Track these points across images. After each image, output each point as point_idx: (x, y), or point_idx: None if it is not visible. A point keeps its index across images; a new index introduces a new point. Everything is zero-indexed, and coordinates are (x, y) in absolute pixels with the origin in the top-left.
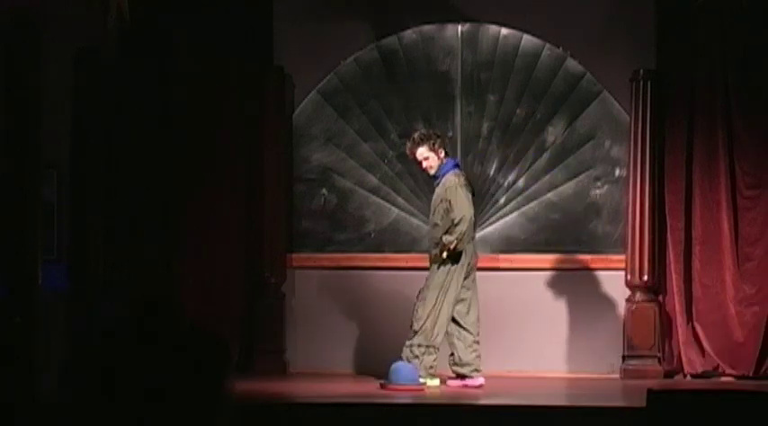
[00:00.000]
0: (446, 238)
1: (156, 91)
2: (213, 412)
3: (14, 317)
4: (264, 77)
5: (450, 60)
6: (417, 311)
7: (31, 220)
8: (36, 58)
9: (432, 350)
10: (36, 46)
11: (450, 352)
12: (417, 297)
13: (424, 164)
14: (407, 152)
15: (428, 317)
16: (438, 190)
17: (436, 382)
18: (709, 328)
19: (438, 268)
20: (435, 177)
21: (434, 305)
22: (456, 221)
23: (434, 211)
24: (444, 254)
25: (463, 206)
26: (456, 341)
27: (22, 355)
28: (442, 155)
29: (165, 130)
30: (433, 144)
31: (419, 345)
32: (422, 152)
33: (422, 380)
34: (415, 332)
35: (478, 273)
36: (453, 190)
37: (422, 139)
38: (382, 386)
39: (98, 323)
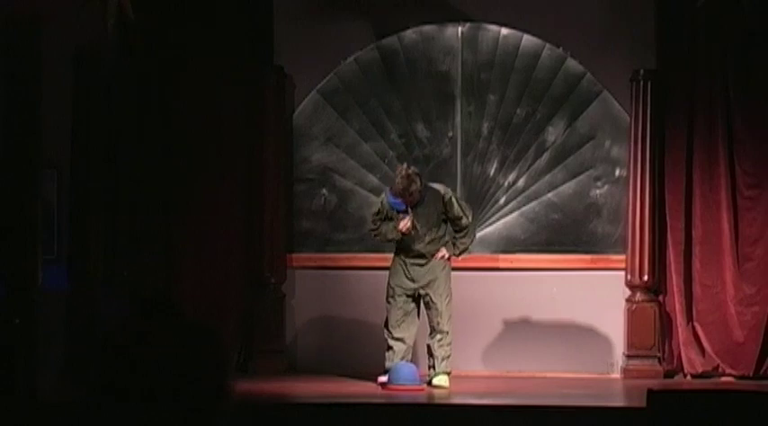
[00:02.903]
0: (465, 241)
1: (156, 90)
2: (213, 411)
3: (14, 319)
4: (264, 77)
5: (451, 60)
6: (442, 311)
7: (31, 220)
8: (36, 58)
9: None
10: (36, 46)
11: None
12: (392, 297)
13: (416, 195)
14: (402, 188)
15: (449, 315)
16: (429, 205)
17: (446, 382)
18: (710, 328)
19: (443, 269)
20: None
21: (449, 302)
22: (470, 224)
23: (431, 227)
24: (461, 256)
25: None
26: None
27: (22, 355)
28: (416, 186)
29: (165, 130)
30: (420, 177)
31: (449, 343)
32: (416, 187)
33: (439, 380)
34: (442, 332)
35: (479, 273)
36: (454, 198)
37: (415, 174)
38: (382, 386)
39: (98, 323)
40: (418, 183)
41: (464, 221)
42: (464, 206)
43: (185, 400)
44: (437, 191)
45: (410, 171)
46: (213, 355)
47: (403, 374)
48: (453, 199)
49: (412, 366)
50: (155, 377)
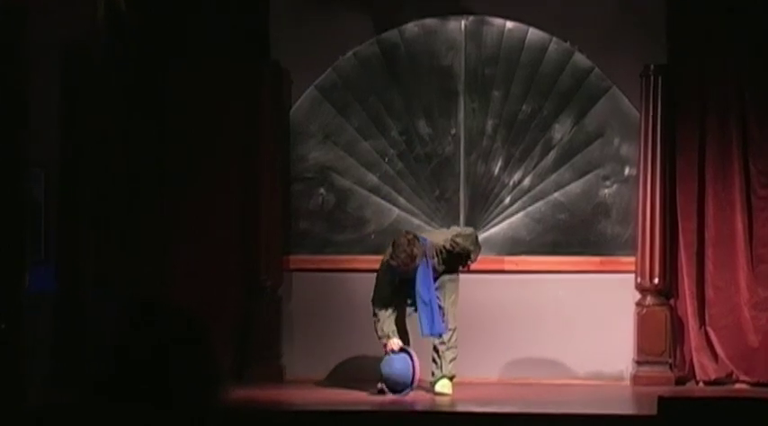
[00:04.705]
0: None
1: (149, 86)
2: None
3: (0, 323)
4: (261, 73)
5: (454, 55)
6: (447, 308)
7: (17, 221)
8: (22, 52)
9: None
10: (22, 39)
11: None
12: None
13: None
14: (411, 266)
15: (453, 313)
16: (440, 270)
17: (449, 389)
18: (723, 333)
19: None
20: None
21: (455, 299)
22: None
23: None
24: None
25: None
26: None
27: (9, 360)
28: (419, 249)
29: (159, 127)
30: (415, 249)
31: (456, 345)
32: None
33: (442, 386)
34: (449, 329)
35: (483, 275)
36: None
37: (416, 253)
38: (380, 392)
39: (87, 326)
40: (416, 253)
41: (458, 247)
42: (461, 233)
43: (178, 404)
44: (433, 242)
45: (407, 250)
46: (204, 358)
47: (396, 366)
48: (447, 239)
49: (406, 358)
50: (147, 379)
